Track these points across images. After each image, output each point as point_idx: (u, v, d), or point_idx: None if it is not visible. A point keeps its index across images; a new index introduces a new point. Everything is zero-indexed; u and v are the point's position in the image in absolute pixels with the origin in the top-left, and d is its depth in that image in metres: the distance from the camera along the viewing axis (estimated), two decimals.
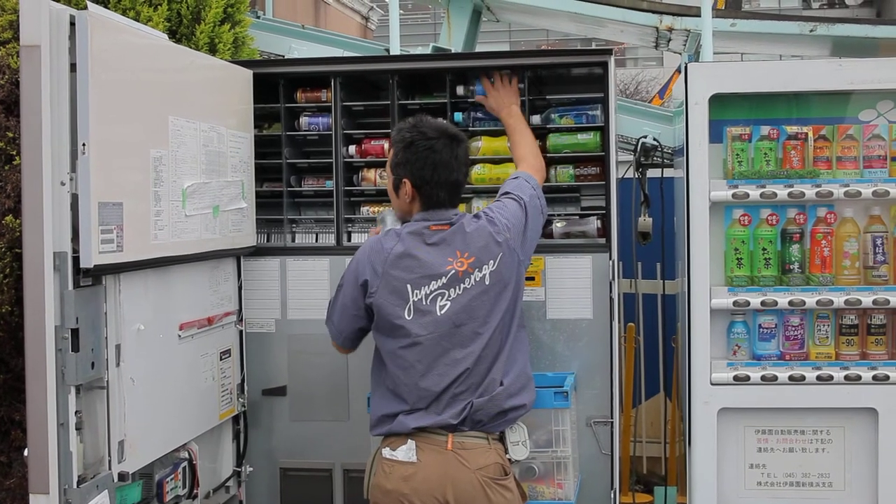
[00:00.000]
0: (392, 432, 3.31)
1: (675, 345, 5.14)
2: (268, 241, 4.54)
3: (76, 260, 2.99)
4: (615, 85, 4.27)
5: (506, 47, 28.11)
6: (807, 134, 4.10)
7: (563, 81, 4.56)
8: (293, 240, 4.55)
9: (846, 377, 4.04)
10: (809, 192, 4.02)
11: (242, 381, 4.29)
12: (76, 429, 3.03)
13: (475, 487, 3.22)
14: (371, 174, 4.48)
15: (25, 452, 3.00)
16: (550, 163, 4.35)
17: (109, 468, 3.18)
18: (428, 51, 6.20)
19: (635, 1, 6.88)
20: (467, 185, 4.32)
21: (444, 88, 4.34)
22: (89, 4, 3.09)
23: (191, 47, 4.64)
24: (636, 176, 5.04)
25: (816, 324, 4.12)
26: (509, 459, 3.36)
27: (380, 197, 4.50)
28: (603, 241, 4.20)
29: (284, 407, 4.39)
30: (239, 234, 4.10)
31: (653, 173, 5.13)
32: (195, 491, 3.77)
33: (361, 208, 4.53)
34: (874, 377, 4.03)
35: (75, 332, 2.99)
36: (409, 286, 3.29)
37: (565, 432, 3.83)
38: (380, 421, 3.36)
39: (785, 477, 4.12)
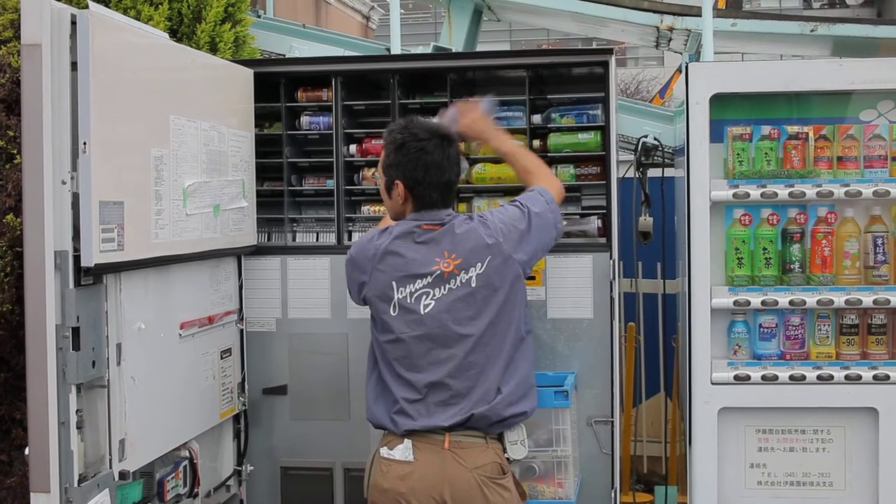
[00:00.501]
0: (387, 429, 3.31)
1: (676, 344, 5.14)
2: (268, 240, 4.54)
3: (77, 259, 2.99)
4: (616, 84, 4.27)
5: (506, 47, 28.12)
6: (807, 134, 4.10)
7: (564, 81, 4.56)
8: (294, 239, 4.55)
9: (847, 377, 4.04)
10: (810, 191, 4.02)
11: (243, 380, 4.29)
12: (77, 427, 3.03)
13: (472, 487, 3.21)
14: (371, 173, 4.48)
15: (26, 451, 3.00)
16: (551, 162, 4.35)
17: (110, 467, 3.18)
18: (429, 50, 6.22)
19: (636, 1, 6.89)
20: (468, 185, 4.34)
21: (445, 88, 4.34)
22: (90, 3, 3.09)
23: (192, 46, 4.64)
24: (637, 175, 5.04)
25: (817, 323, 4.12)
26: (508, 459, 3.36)
27: (380, 196, 4.49)
28: (603, 240, 4.20)
29: (285, 406, 4.39)
30: (240, 234, 4.10)
31: (653, 173, 5.13)
32: (196, 490, 3.77)
33: (362, 207, 4.53)
34: (874, 377, 4.03)
35: (76, 331, 2.99)
36: (394, 283, 3.29)
37: (565, 431, 3.84)
38: (373, 407, 3.37)
39: (785, 476, 4.12)
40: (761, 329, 4.14)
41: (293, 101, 4.51)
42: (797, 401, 4.08)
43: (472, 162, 4.33)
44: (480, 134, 3.76)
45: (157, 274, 3.51)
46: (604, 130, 4.24)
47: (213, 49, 4.93)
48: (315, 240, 4.53)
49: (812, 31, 6.64)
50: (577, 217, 4.35)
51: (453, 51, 6.67)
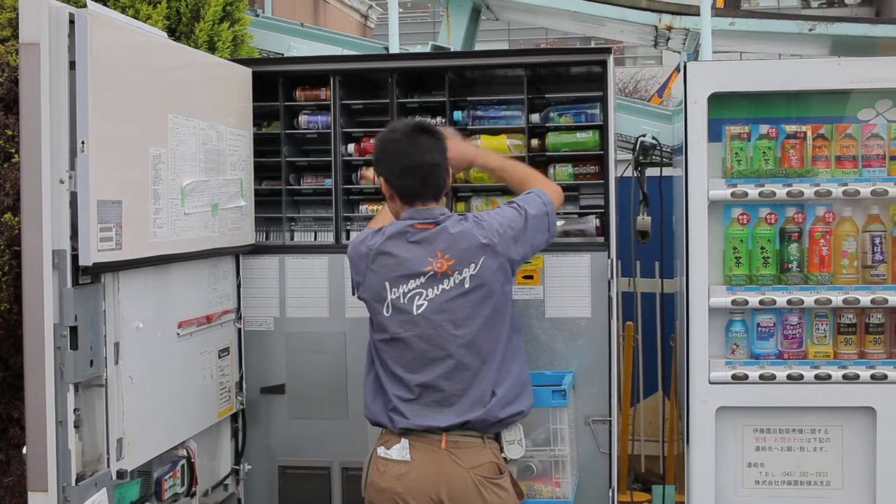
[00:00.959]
0: (385, 426, 3.31)
1: (674, 343, 5.14)
2: (266, 239, 4.54)
3: (75, 258, 2.99)
4: (614, 83, 4.28)
5: (505, 46, 28.09)
6: (805, 133, 4.10)
7: (562, 80, 4.56)
8: (292, 238, 4.55)
9: (844, 376, 4.04)
10: (808, 191, 4.02)
11: (241, 379, 4.29)
12: (75, 426, 3.02)
13: (469, 486, 3.21)
14: (370, 173, 4.48)
15: (24, 450, 3.00)
16: (549, 161, 4.36)
17: (108, 466, 3.18)
18: (427, 49, 6.21)
19: (635, 0, 6.89)
20: (466, 184, 4.34)
21: (444, 87, 4.34)
22: (88, 2, 3.09)
23: (190, 45, 4.64)
24: (635, 175, 5.04)
25: (815, 323, 4.13)
26: (505, 458, 3.35)
27: (378, 195, 4.48)
28: (601, 239, 4.20)
29: (283, 405, 4.39)
30: (238, 233, 4.10)
31: (652, 172, 5.13)
32: (193, 489, 3.77)
33: (360, 207, 4.53)
34: (872, 376, 4.03)
35: (74, 330, 2.99)
36: (387, 284, 3.29)
37: (563, 431, 3.84)
38: (371, 404, 3.37)
39: (783, 476, 4.12)
40: (759, 328, 4.14)
41: (291, 100, 4.51)
42: (795, 400, 4.08)
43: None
44: (463, 159, 3.73)
45: (156, 273, 3.51)
46: (602, 129, 4.24)
47: (212, 48, 4.93)
48: (313, 239, 4.53)
49: (810, 30, 6.64)
50: (576, 216, 4.35)
51: (452, 50, 6.67)
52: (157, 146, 3.41)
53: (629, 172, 5.07)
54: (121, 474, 3.22)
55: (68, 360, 2.97)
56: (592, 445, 4.15)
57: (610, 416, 4.14)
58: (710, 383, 4.07)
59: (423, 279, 3.26)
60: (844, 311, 4.09)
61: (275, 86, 4.44)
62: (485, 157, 3.81)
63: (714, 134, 4.08)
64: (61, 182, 2.96)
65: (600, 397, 4.15)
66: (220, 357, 4.06)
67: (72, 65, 2.97)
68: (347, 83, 4.44)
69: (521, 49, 6.37)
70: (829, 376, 4.05)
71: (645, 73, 25.47)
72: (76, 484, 3.00)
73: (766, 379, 4.06)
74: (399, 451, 3.24)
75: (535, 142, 4.35)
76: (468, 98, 4.46)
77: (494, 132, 4.37)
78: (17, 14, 3.02)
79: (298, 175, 4.61)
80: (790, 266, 4.10)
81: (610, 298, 4.11)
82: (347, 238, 4.43)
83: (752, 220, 4.12)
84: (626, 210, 5.01)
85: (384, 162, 3.37)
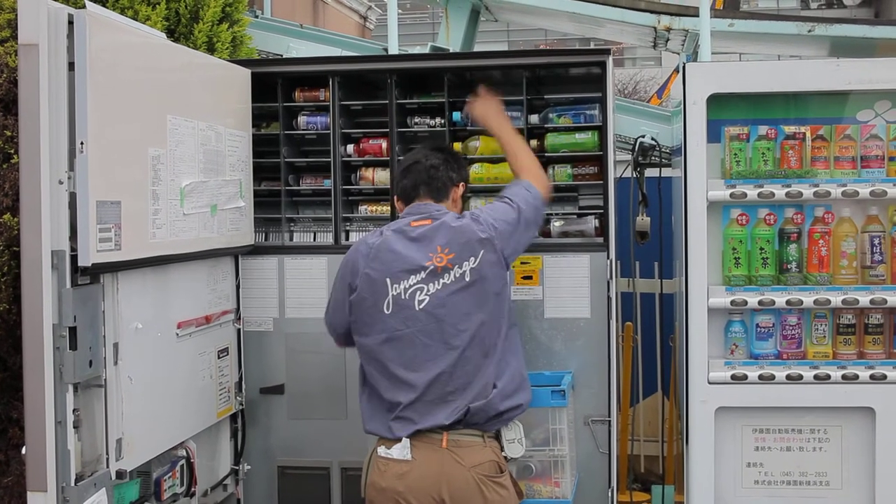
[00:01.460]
0: (384, 437, 3.31)
1: (673, 344, 5.14)
2: (266, 239, 4.54)
3: (74, 258, 2.99)
4: (613, 84, 4.28)
5: (504, 47, 28.08)
6: (804, 134, 4.10)
7: (562, 81, 4.56)
8: (291, 239, 4.55)
9: (843, 376, 4.05)
10: (807, 191, 4.02)
11: (240, 379, 4.29)
12: (74, 427, 3.02)
13: (470, 485, 3.22)
14: (369, 173, 4.48)
15: (23, 450, 3.00)
16: (548, 162, 4.36)
17: (107, 466, 3.18)
18: (426, 50, 6.21)
19: (633, 1, 6.89)
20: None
21: (443, 88, 4.34)
22: (87, 3, 3.09)
23: (189, 46, 4.64)
24: (634, 175, 5.04)
25: (814, 323, 4.13)
26: (505, 457, 3.36)
27: (378, 196, 4.51)
28: (601, 240, 4.20)
29: (282, 405, 4.39)
30: (237, 233, 4.10)
31: (651, 173, 5.13)
32: (193, 489, 3.77)
33: (359, 207, 4.53)
34: (871, 376, 4.03)
35: (73, 331, 2.99)
36: (388, 280, 3.30)
37: (562, 431, 3.84)
38: (370, 420, 3.37)
39: (782, 476, 4.12)
40: (758, 329, 4.14)
41: (290, 100, 4.51)
42: (794, 400, 4.08)
43: (469, 162, 4.32)
44: (486, 114, 3.89)
45: (155, 273, 3.51)
46: (601, 130, 4.24)
47: (211, 49, 4.93)
48: (312, 239, 4.53)
49: (809, 31, 6.63)
50: (575, 217, 4.35)
51: (451, 51, 6.66)
52: (156, 147, 3.41)
53: (628, 173, 5.08)
54: (120, 474, 3.22)
55: (67, 360, 2.97)
56: (592, 445, 4.15)
57: (609, 417, 4.14)
58: (710, 383, 4.07)
59: (423, 274, 3.28)
60: (843, 311, 4.10)
61: (274, 87, 4.44)
62: (498, 123, 3.89)
63: (713, 135, 4.08)
64: (60, 183, 2.96)
65: (599, 397, 4.15)
66: (219, 357, 4.06)
67: (71, 66, 2.97)
68: (346, 84, 4.44)
69: (520, 50, 6.39)
70: (829, 376, 4.05)
71: (644, 74, 25.47)
72: (75, 484, 3.00)
73: (766, 379, 4.06)
74: (400, 450, 3.24)
75: (534, 142, 4.35)
76: (467, 99, 4.45)
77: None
78: (16, 15, 3.02)
79: (297, 176, 4.61)
80: (789, 266, 4.10)
81: (609, 299, 4.11)
82: (347, 239, 4.43)
83: (751, 220, 4.13)
84: (626, 211, 5.01)
85: (399, 169, 3.56)
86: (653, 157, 5.11)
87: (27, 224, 2.94)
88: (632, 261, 5.47)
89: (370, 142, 4.47)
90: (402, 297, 3.28)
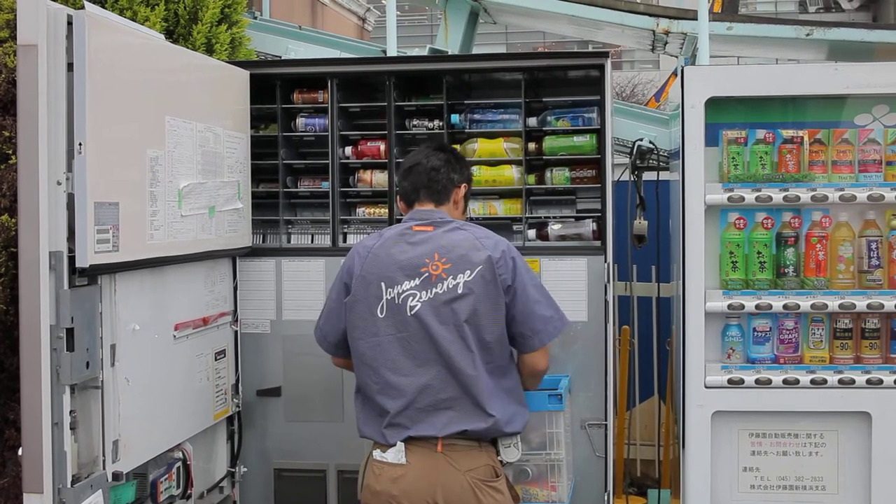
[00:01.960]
0: (380, 443, 3.31)
1: (670, 347, 5.14)
2: (263, 241, 4.54)
3: (72, 259, 2.99)
4: (611, 88, 4.28)
5: (502, 49, 28.08)
6: (802, 138, 4.10)
7: (560, 84, 4.56)
8: (289, 241, 4.55)
9: (840, 381, 4.05)
10: (805, 195, 4.03)
11: (237, 381, 4.29)
12: (71, 428, 3.02)
13: (465, 489, 3.21)
14: (367, 175, 4.49)
15: (20, 452, 3.00)
16: (546, 165, 4.36)
17: (104, 468, 3.18)
18: (425, 52, 6.22)
19: (632, 4, 6.91)
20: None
21: (441, 90, 4.34)
22: (86, 4, 3.09)
23: (188, 48, 4.64)
24: (632, 179, 5.04)
25: (811, 327, 4.13)
26: (501, 461, 3.35)
27: (376, 198, 4.51)
28: (598, 243, 4.20)
29: (279, 407, 4.39)
30: (234, 235, 4.10)
31: (648, 176, 5.14)
32: (189, 491, 3.77)
33: (357, 209, 4.54)
34: (868, 381, 4.04)
35: (70, 332, 2.98)
36: (383, 284, 3.28)
37: (559, 435, 3.84)
38: (364, 425, 3.36)
39: (778, 480, 4.12)
40: (755, 333, 4.15)
41: (289, 102, 4.51)
42: (790, 405, 4.08)
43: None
44: None
45: (152, 275, 3.51)
46: (599, 133, 4.24)
47: (210, 50, 4.93)
48: (310, 241, 4.53)
49: (808, 35, 6.65)
50: (572, 220, 4.36)
51: (449, 53, 6.67)
52: (154, 148, 3.41)
53: (626, 176, 5.08)
54: (116, 476, 3.22)
55: (64, 361, 2.97)
56: (588, 449, 4.16)
57: (606, 420, 4.14)
58: (706, 387, 4.07)
59: (418, 280, 3.25)
60: (840, 315, 4.10)
61: (272, 88, 4.44)
62: None
63: (711, 138, 4.08)
64: (58, 184, 2.95)
65: (596, 401, 4.15)
66: (216, 359, 4.06)
67: (69, 66, 2.97)
68: (345, 86, 4.44)
69: (518, 53, 6.40)
70: (825, 381, 4.05)
71: (642, 78, 25.48)
72: (72, 486, 3.00)
73: (762, 383, 4.07)
74: (395, 454, 3.23)
75: (532, 145, 4.35)
76: (466, 101, 4.46)
77: (492, 136, 4.38)
78: (15, 15, 3.02)
79: (295, 178, 4.61)
80: (786, 270, 4.10)
81: (606, 302, 4.11)
82: (344, 241, 4.44)
83: (748, 224, 4.13)
84: (623, 214, 5.01)
85: (401, 169, 3.51)
86: (651, 161, 5.12)
87: (25, 225, 2.94)
88: (629, 264, 5.47)
89: (368, 144, 4.47)
90: (396, 301, 3.26)
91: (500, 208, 4.42)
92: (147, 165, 3.36)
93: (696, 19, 5.86)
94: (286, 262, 4.39)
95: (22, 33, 2.92)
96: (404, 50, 6.21)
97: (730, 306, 4.07)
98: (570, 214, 4.41)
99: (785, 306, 4.04)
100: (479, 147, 4.37)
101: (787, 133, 4.11)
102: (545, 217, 4.41)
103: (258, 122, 4.53)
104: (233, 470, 4.30)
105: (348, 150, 4.48)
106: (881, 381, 4.03)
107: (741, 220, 4.12)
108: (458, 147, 4.35)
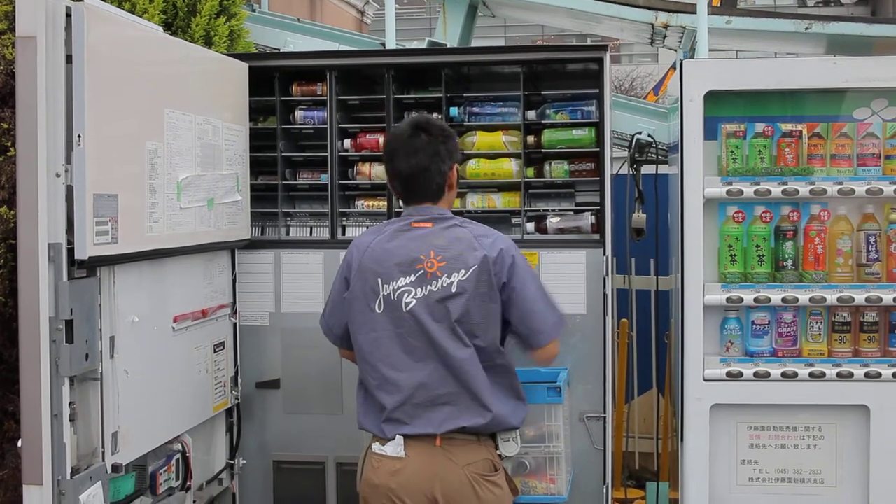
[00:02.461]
0: (379, 437, 3.31)
1: (668, 341, 5.15)
2: (262, 234, 4.54)
3: (71, 251, 2.99)
4: (610, 81, 4.28)
5: (501, 42, 28.07)
6: (801, 131, 4.10)
7: (559, 77, 4.56)
8: (288, 233, 4.55)
9: (838, 374, 4.05)
10: (803, 189, 4.03)
11: (236, 373, 4.29)
12: (70, 420, 3.03)
13: (463, 483, 3.20)
14: (366, 168, 4.49)
15: (19, 443, 3.01)
16: (545, 158, 4.36)
17: (103, 460, 3.18)
18: (424, 45, 6.22)
19: None
20: (462, 180, 4.33)
21: (440, 83, 4.34)
22: None
23: (186, 40, 4.63)
24: (630, 172, 5.05)
25: (809, 321, 4.13)
26: (500, 455, 3.35)
27: (374, 191, 4.51)
28: (597, 236, 4.20)
29: (278, 400, 4.39)
30: (233, 227, 4.10)
31: (647, 169, 5.14)
32: (188, 483, 3.78)
33: (356, 202, 4.54)
34: (866, 374, 4.04)
35: (69, 324, 2.99)
36: (379, 280, 3.27)
37: (558, 427, 3.84)
38: (364, 417, 3.36)
39: (777, 473, 4.13)
40: (754, 326, 4.15)
41: (288, 95, 4.51)
42: (789, 398, 4.09)
43: (466, 157, 4.33)
44: None
45: (151, 267, 3.51)
46: (598, 127, 4.24)
47: (208, 43, 4.93)
48: (309, 234, 4.54)
49: (806, 28, 6.65)
50: (571, 213, 4.36)
51: (448, 46, 6.67)
52: (153, 140, 3.41)
53: (625, 170, 5.08)
54: (116, 468, 3.23)
55: (64, 353, 2.97)
56: (587, 442, 4.16)
57: (604, 413, 4.15)
58: (705, 380, 4.08)
59: (413, 277, 3.24)
60: (839, 309, 4.10)
61: (271, 81, 4.44)
62: None
63: (710, 132, 4.08)
64: (57, 176, 2.96)
65: (595, 394, 4.16)
66: (215, 352, 4.07)
67: (68, 58, 2.97)
68: (344, 79, 4.44)
69: (517, 46, 6.40)
70: (824, 374, 4.06)
71: (641, 71, 25.48)
72: (71, 477, 3.00)
73: (761, 376, 4.07)
74: (394, 447, 3.23)
75: (531, 138, 4.35)
76: (465, 94, 4.46)
77: (491, 129, 4.38)
78: (14, 7, 3.02)
79: (294, 170, 4.61)
80: (785, 264, 4.10)
81: (605, 295, 4.11)
82: (343, 233, 4.44)
83: (747, 217, 4.13)
84: (622, 207, 5.02)
85: (386, 161, 3.42)
86: (649, 154, 5.12)
87: (24, 217, 2.94)
88: (628, 257, 5.48)
89: (367, 136, 4.47)
90: (392, 297, 3.25)
91: (499, 201, 4.41)
92: (146, 158, 3.36)
93: (694, 13, 5.86)
94: (285, 255, 4.39)
95: (21, 25, 2.92)
96: (403, 43, 6.20)
97: (728, 299, 4.07)
98: (569, 207, 4.41)
99: (783, 300, 4.05)
100: (478, 140, 4.36)
101: (786, 127, 4.11)
102: (544, 210, 4.41)
103: (257, 114, 4.52)
104: (232, 462, 4.30)
105: (347, 142, 4.47)
106: (879, 375, 4.03)
107: (740, 214, 4.13)
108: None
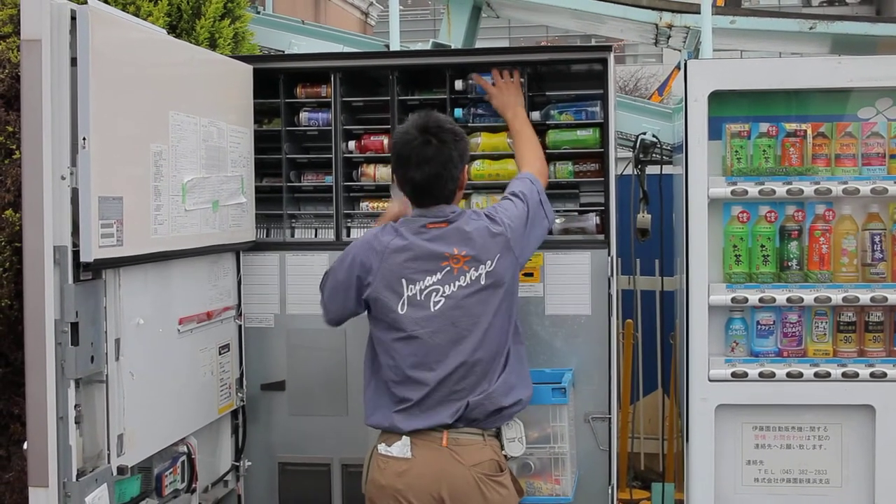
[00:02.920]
0: (386, 431, 3.32)
1: (674, 341, 5.15)
2: (267, 236, 4.54)
3: (76, 254, 3.00)
4: (615, 81, 4.28)
5: (505, 43, 28.08)
6: (805, 131, 4.10)
7: (563, 78, 4.56)
8: (292, 235, 4.55)
9: (844, 374, 4.05)
10: (808, 189, 4.03)
11: (241, 375, 4.29)
12: (75, 422, 3.03)
13: (469, 484, 3.22)
14: (370, 170, 4.48)
15: (25, 446, 3.01)
16: (550, 159, 4.35)
17: (108, 462, 3.18)
18: (428, 47, 6.21)
19: None
20: (468, 182, 4.33)
21: (444, 84, 4.34)
22: None
23: (191, 42, 4.64)
24: (635, 172, 5.04)
25: (814, 321, 4.13)
26: (505, 456, 3.36)
27: (379, 192, 4.51)
28: (602, 237, 4.20)
29: (283, 402, 4.39)
30: (238, 229, 4.10)
31: (652, 170, 5.13)
32: (194, 485, 3.78)
33: (361, 204, 4.53)
34: (871, 374, 4.04)
35: (75, 326, 2.99)
36: (403, 281, 3.29)
37: (563, 428, 3.84)
38: (374, 412, 3.37)
39: (782, 473, 4.13)
40: (759, 326, 4.15)
41: (292, 97, 4.51)
42: (794, 398, 4.09)
43: (471, 159, 4.32)
44: (506, 104, 4.05)
45: (156, 269, 3.52)
46: (602, 127, 4.24)
47: (213, 45, 4.93)
48: (314, 236, 4.53)
49: (811, 28, 6.63)
50: (576, 214, 4.35)
51: (452, 47, 6.67)
52: (158, 143, 3.41)
53: (629, 170, 5.08)
54: (121, 470, 3.23)
55: (69, 356, 2.98)
56: (592, 443, 4.16)
57: (609, 414, 4.15)
58: (710, 381, 4.08)
59: (440, 275, 3.27)
60: (844, 309, 4.10)
61: (275, 83, 4.44)
62: (515, 116, 4.04)
63: (714, 132, 4.08)
64: (62, 178, 2.96)
65: (600, 395, 4.15)
66: (220, 353, 4.07)
67: (73, 61, 2.97)
68: (348, 80, 4.44)
69: (521, 47, 6.40)
70: (829, 374, 4.05)
71: (645, 72, 25.49)
72: (77, 479, 3.01)
73: (766, 377, 4.07)
74: (400, 448, 3.24)
75: None
76: (469, 96, 4.46)
77: (495, 130, 4.37)
78: (19, 10, 3.02)
79: (299, 172, 4.61)
80: (790, 264, 4.10)
81: (610, 296, 4.11)
82: (348, 235, 4.44)
83: (752, 217, 4.13)
84: (627, 208, 5.01)
85: (394, 163, 3.43)
86: (654, 155, 5.11)
87: (29, 220, 2.95)
88: (632, 258, 5.47)
89: (372, 138, 4.46)
90: (418, 297, 3.27)
91: None
92: (151, 160, 3.36)
93: (699, 13, 5.85)
94: (290, 257, 4.39)
95: (25, 28, 2.93)
96: (407, 44, 6.20)
97: (733, 300, 4.07)
98: (574, 208, 4.40)
99: (788, 300, 4.04)
100: (483, 141, 4.36)
101: (791, 126, 4.10)
102: None
103: (261, 116, 4.53)
104: (237, 464, 4.31)
105: (351, 144, 4.47)
106: (885, 375, 4.03)
107: (744, 214, 4.12)
108: None
